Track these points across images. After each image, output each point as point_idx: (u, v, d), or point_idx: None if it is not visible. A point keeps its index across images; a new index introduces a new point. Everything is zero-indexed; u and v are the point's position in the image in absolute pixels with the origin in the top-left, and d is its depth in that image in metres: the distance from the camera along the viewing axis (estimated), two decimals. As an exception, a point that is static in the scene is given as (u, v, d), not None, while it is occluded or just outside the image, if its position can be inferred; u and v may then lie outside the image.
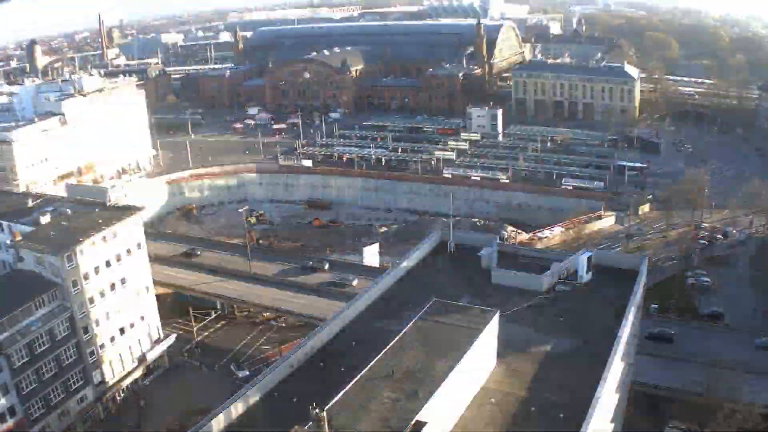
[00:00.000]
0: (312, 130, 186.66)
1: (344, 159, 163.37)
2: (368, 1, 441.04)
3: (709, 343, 78.00)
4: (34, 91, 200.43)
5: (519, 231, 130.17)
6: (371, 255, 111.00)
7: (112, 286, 77.17)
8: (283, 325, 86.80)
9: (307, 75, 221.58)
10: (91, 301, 74.43)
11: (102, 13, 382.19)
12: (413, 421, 35.50)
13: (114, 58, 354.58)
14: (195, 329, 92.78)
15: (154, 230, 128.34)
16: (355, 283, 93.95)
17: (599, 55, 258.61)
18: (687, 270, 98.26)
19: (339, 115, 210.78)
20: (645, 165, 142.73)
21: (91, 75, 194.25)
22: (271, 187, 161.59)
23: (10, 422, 66.30)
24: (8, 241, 76.36)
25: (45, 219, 76.12)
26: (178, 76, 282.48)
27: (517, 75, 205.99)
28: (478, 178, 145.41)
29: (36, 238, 73.19)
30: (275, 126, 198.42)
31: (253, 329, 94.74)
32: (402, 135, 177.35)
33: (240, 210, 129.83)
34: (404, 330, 45.48)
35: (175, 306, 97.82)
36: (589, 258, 56.99)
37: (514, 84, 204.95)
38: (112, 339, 78.09)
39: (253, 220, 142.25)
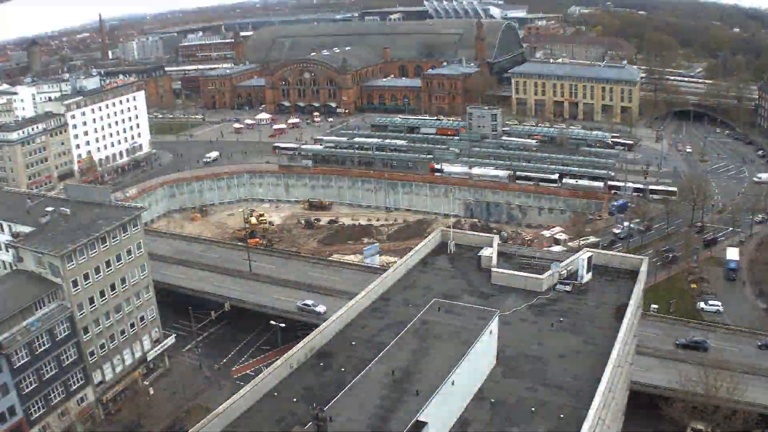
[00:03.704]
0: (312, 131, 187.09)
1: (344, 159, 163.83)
2: (368, 1, 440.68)
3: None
4: (35, 91, 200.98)
5: (519, 231, 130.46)
6: (371, 255, 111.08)
7: (112, 286, 77.15)
8: (283, 325, 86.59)
9: (307, 75, 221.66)
10: (91, 301, 74.43)
11: (102, 13, 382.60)
12: (413, 421, 35.48)
13: (114, 58, 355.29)
14: (195, 329, 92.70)
15: (154, 229, 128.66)
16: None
17: (600, 55, 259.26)
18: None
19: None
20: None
21: (91, 75, 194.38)
22: (271, 187, 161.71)
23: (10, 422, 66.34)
24: (8, 241, 76.43)
25: (45, 219, 76.13)
26: (178, 76, 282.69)
27: (517, 75, 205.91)
28: (478, 178, 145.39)
29: (36, 239, 73.15)
30: (275, 126, 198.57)
31: (253, 330, 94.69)
32: (402, 135, 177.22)
33: (240, 210, 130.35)
34: (404, 330, 45.50)
35: (175, 306, 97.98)
36: (589, 258, 56.96)
37: (514, 84, 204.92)
38: (113, 339, 78.10)
39: (253, 220, 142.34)
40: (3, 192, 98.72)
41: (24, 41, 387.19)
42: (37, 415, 69.09)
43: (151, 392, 77.33)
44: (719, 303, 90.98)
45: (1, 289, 71.67)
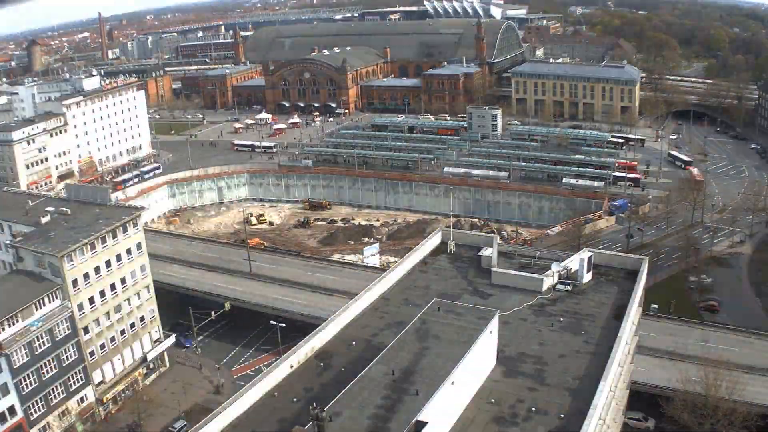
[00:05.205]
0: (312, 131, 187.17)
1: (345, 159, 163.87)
2: (368, 1, 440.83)
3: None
4: (35, 91, 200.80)
5: (519, 231, 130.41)
6: (371, 255, 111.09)
7: (112, 286, 77.16)
8: (283, 325, 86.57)
9: (307, 75, 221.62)
10: (91, 301, 74.44)
11: (102, 13, 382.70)
12: (413, 421, 35.49)
13: (114, 58, 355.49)
14: (195, 329, 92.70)
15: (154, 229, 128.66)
16: None
17: (600, 55, 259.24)
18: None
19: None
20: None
21: (91, 75, 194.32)
22: (271, 187, 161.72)
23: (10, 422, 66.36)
24: (8, 241, 76.45)
25: (45, 219, 76.14)
26: (178, 76, 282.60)
27: (517, 75, 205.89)
28: (478, 178, 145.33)
29: (36, 239, 73.18)
30: (275, 126, 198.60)
31: (253, 330, 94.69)
32: (402, 135, 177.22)
33: (240, 210, 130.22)
34: (404, 330, 45.50)
35: (175, 306, 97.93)
36: (589, 258, 56.95)
37: (514, 84, 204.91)
38: (113, 339, 78.12)
39: (253, 220, 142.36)
40: (3, 192, 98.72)
41: (24, 41, 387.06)
42: (38, 414, 69.13)
43: (145, 399, 77.26)
44: (717, 302, 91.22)
45: (1, 289, 71.74)
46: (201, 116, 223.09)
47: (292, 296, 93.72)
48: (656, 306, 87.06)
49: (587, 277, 56.91)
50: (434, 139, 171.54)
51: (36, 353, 68.10)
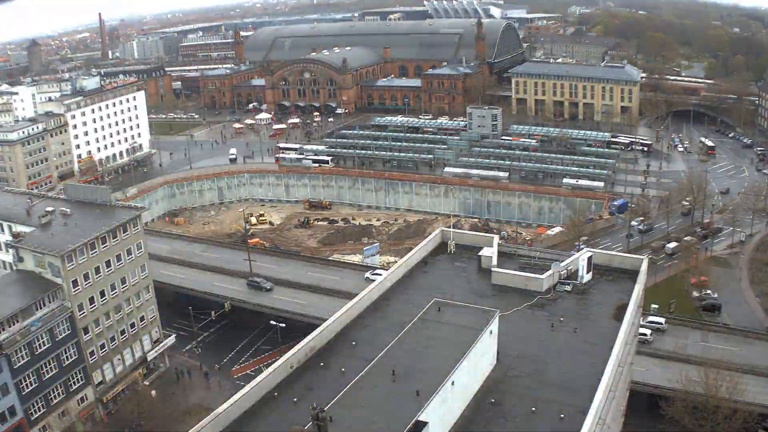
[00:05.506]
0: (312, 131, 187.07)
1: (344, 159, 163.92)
2: (368, 1, 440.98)
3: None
4: (35, 91, 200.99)
5: (519, 231, 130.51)
6: (371, 255, 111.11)
7: (112, 286, 77.13)
8: (283, 325, 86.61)
9: (307, 75, 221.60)
10: (92, 301, 74.42)
11: (102, 13, 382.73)
12: (413, 421, 35.47)
13: (114, 58, 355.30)
14: (195, 329, 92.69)
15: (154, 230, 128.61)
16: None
17: (600, 55, 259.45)
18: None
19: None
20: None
21: (91, 75, 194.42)
22: (271, 187, 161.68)
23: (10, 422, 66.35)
24: (8, 241, 76.46)
25: (45, 219, 76.15)
26: (178, 76, 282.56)
27: (517, 75, 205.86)
28: (478, 178, 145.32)
29: (36, 239, 73.16)
30: (275, 126, 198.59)
31: (253, 330, 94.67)
32: (402, 135, 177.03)
33: (240, 210, 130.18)
34: (404, 330, 45.48)
35: (175, 306, 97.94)
36: (589, 258, 56.93)
37: (515, 84, 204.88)
38: (113, 339, 78.10)
39: (253, 220, 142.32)
40: (3, 192, 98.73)
41: (24, 41, 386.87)
42: (38, 415, 69.09)
43: (154, 394, 77.50)
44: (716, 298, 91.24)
45: (1, 289, 71.70)
46: (201, 117, 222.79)
47: (292, 296, 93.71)
48: (656, 306, 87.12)
49: (587, 277, 56.89)
50: (434, 139, 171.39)
51: (36, 353, 68.06)
